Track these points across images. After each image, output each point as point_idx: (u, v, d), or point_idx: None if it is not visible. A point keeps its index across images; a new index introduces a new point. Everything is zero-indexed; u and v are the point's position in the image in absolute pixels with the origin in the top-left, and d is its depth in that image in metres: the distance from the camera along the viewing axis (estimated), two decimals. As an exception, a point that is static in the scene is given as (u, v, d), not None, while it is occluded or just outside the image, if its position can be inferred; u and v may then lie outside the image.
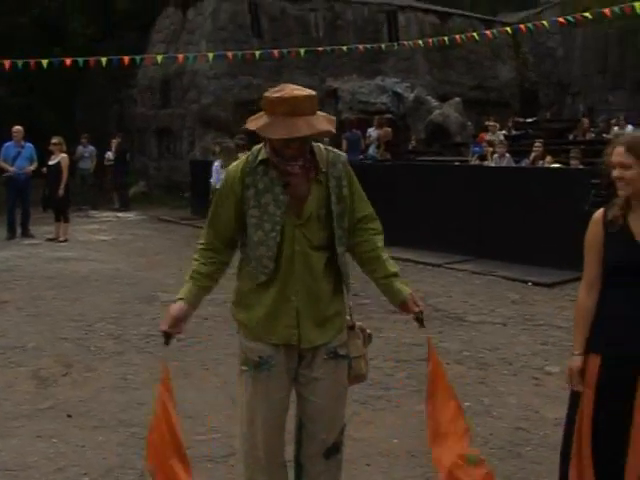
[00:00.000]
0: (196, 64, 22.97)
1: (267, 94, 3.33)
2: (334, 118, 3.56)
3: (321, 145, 3.64)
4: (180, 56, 20.53)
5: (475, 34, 20.58)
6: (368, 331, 3.88)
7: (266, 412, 3.61)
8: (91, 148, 22.46)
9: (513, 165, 15.08)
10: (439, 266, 11.89)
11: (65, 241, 15.25)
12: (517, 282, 10.67)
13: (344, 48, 21.39)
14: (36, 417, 5.66)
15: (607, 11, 16.06)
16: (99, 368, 6.88)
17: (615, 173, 3.58)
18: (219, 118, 23.74)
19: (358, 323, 3.83)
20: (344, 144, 19.25)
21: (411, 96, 25.45)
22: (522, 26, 19.01)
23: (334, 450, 3.75)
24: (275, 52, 20.32)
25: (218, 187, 13.31)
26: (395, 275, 3.64)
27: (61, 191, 15.33)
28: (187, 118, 24.44)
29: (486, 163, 16.07)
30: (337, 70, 25.22)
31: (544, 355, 7.08)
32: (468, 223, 12.23)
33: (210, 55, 20.28)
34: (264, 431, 3.63)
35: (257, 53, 20.21)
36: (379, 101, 25.58)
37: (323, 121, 3.38)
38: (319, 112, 3.40)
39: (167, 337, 3.62)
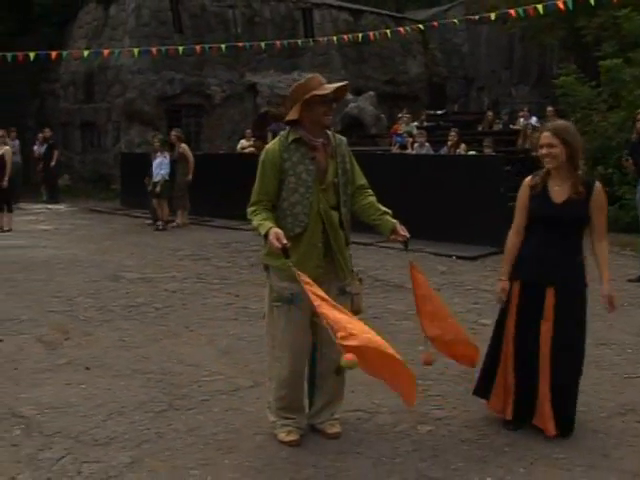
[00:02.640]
0: (120, 59, 23.68)
1: (301, 83, 4.72)
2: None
3: (330, 132, 4.92)
4: (106, 51, 21.29)
5: (388, 31, 21.92)
6: (360, 276, 5.10)
7: (296, 336, 4.80)
8: (16, 142, 22.83)
9: (432, 153, 16.44)
10: (371, 245, 13.09)
11: (9, 230, 15.91)
12: (443, 257, 12.05)
13: (262, 44, 22.52)
14: (59, 370, 6.59)
15: (512, 12, 17.61)
16: (95, 333, 7.84)
17: (543, 151, 4.97)
18: (143, 112, 24.53)
19: (355, 269, 5.05)
20: (269, 136, 20.18)
21: (327, 90, 26.66)
22: (435, 23, 20.43)
23: (342, 368, 4.94)
24: (197, 48, 21.29)
25: (167, 178, 14.01)
26: (386, 213, 4.95)
27: (5, 182, 15.94)
28: (112, 112, 25.13)
29: (407, 152, 17.38)
30: (256, 65, 26.26)
31: (477, 311, 8.38)
32: (395, 206, 13.41)
33: (135, 50, 21.09)
34: (294, 352, 4.82)
35: (180, 49, 21.09)
36: (296, 95, 26.70)
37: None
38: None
39: (285, 251, 4.47)
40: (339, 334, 4.12)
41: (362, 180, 5.06)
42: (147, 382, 6.26)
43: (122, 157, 22.31)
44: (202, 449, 4.90)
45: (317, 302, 4.32)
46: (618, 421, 5.38)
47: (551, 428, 4.99)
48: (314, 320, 4.88)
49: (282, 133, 4.88)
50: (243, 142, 21.90)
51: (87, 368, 6.66)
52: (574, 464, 4.66)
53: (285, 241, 4.47)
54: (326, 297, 4.39)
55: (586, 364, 5.30)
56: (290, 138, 4.77)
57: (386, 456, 4.75)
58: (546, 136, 4.98)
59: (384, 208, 5.01)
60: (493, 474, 4.51)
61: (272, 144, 4.87)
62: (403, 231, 4.87)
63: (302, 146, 4.75)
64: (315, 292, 4.37)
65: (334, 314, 4.28)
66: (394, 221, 4.92)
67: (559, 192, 5.00)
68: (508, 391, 5.13)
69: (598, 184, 5.07)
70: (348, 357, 4.10)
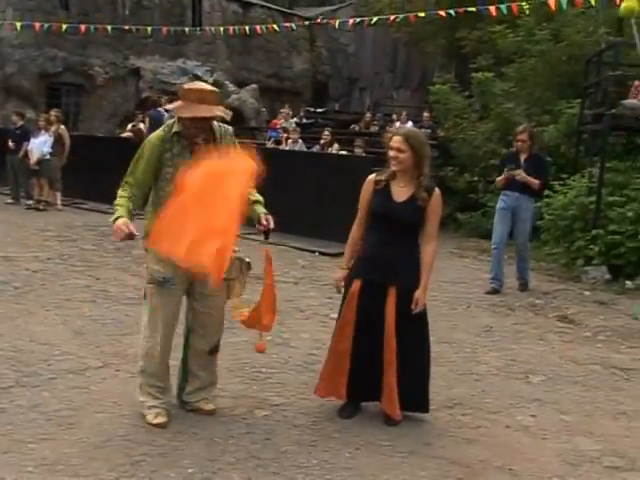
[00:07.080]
0: (1, 31, 23.09)
1: (184, 85, 4.87)
2: (230, 112, 5.04)
3: (215, 122, 5.05)
4: (-13, 23, 20.74)
5: (275, 25, 22.18)
6: (247, 259, 5.32)
7: (165, 318, 5.05)
8: None
9: (304, 150, 16.80)
10: (238, 236, 13.29)
11: None
12: (306, 252, 12.41)
13: (149, 29, 22.41)
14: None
15: (392, 17, 18.16)
16: None
17: (392, 154, 5.27)
18: (22, 88, 23.95)
19: (238, 255, 5.25)
20: (147, 121, 20.00)
21: (210, 80, 26.65)
22: (318, 20, 20.84)
23: (215, 348, 5.33)
24: (82, 27, 21.05)
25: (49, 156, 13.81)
26: (257, 202, 5.13)
27: None
28: (-12, 85, 24.48)
29: (281, 147, 17.69)
30: (141, 49, 26.03)
31: (329, 306, 8.71)
32: (265, 199, 13.73)
33: (18, 24, 20.65)
34: (163, 333, 5.05)
35: (64, 26, 20.80)
36: (179, 82, 26.65)
37: (220, 110, 4.86)
38: (220, 106, 4.90)
39: (131, 238, 4.73)
40: None
41: None
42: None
43: (-5, 132, 21.71)
44: (43, 424, 5.03)
45: None
46: (445, 413, 5.76)
47: (399, 414, 5.37)
48: (192, 305, 5.17)
49: (168, 123, 5.05)
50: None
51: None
52: (396, 450, 5.01)
53: (133, 230, 4.69)
54: None
55: (425, 360, 5.68)
56: (173, 130, 4.93)
57: (220, 437, 4.99)
58: (397, 140, 5.28)
59: (256, 197, 5.17)
60: (319, 457, 4.81)
61: (156, 133, 5.01)
62: (266, 221, 5.06)
63: (183, 139, 4.91)
64: None
65: None
66: (261, 211, 5.10)
67: (400, 192, 5.32)
68: (341, 375, 5.43)
69: (437, 190, 5.39)
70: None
